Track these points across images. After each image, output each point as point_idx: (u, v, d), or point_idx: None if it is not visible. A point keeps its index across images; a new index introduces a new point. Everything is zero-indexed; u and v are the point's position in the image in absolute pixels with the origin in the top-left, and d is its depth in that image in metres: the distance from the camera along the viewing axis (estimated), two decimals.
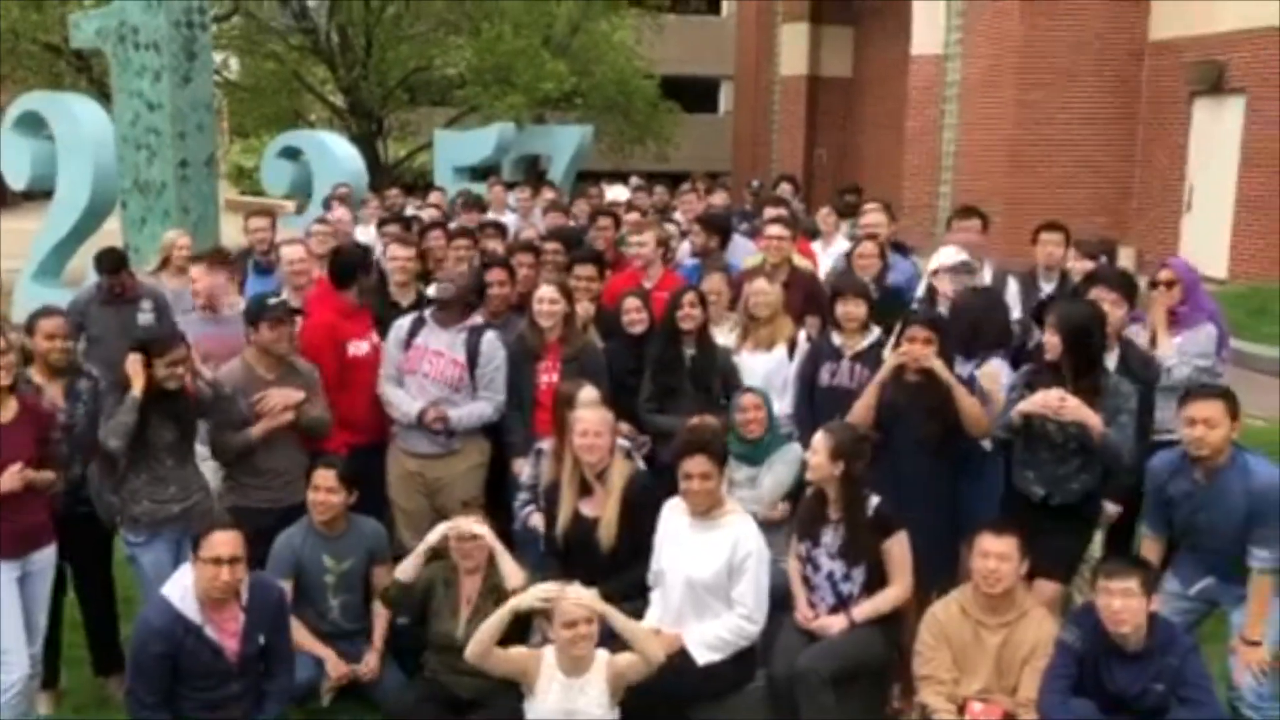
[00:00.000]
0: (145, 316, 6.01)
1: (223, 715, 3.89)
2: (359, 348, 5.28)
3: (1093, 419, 4.22)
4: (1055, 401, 4.24)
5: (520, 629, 4.43)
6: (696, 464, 4.15)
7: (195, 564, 3.78)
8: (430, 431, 5.10)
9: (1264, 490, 3.90)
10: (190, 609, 3.80)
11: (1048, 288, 6.01)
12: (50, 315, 4.61)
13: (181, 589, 3.83)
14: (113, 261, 6.08)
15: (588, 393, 4.77)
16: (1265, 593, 3.96)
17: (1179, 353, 5.11)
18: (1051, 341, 4.36)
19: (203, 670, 3.82)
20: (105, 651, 4.83)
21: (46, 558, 4.21)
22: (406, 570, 4.45)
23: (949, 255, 5.52)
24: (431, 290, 5.36)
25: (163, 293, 6.25)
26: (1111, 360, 4.72)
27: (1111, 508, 4.70)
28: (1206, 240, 13.64)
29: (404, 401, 5.15)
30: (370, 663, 4.62)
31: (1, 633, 4.00)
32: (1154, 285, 5.31)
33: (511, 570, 4.38)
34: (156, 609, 3.83)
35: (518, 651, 3.94)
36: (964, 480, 4.80)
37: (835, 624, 4.22)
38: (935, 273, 5.63)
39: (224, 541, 3.75)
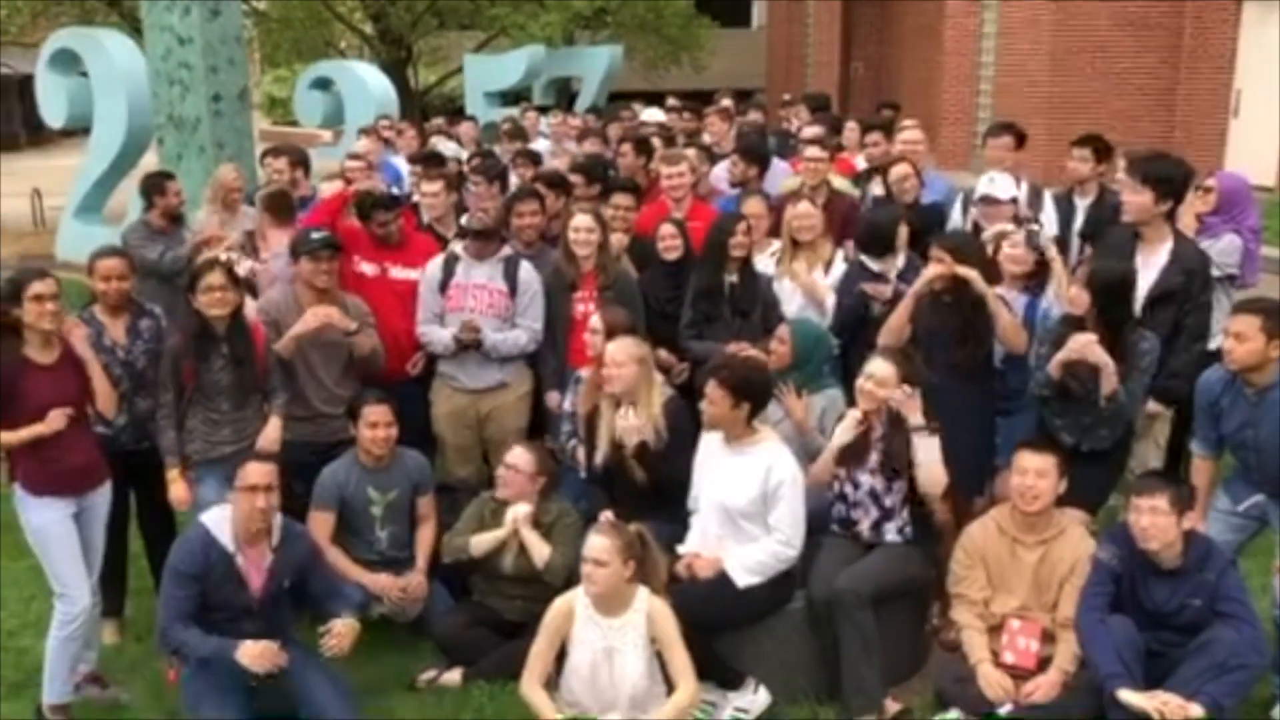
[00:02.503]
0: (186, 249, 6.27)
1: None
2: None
3: (1110, 370, 4.22)
4: (1081, 344, 4.24)
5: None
6: (708, 388, 4.16)
7: (234, 496, 3.98)
8: (469, 345, 5.13)
9: None
10: (225, 537, 3.98)
11: (1082, 204, 5.94)
12: (107, 256, 4.65)
13: (219, 518, 4.02)
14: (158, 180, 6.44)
15: (594, 319, 4.85)
16: None
17: None
18: (1080, 299, 4.34)
19: (225, 602, 3.98)
20: None
21: (101, 494, 4.34)
22: (480, 546, 4.55)
23: (982, 186, 5.47)
24: (465, 220, 5.40)
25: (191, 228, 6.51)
26: (1164, 253, 4.72)
27: (1154, 406, 4.75)
28: (1254, 147, 13.29)
29: (438, 334, 5.22)
30: (417, 580, 4.72)
31: (62, 567, 4.15)
32: (1195, 189, 5.32)
33: (539, 551, 4.48)
34: (194, 533, 4.05)
35: (548, 619, 3.91)
36: (1005, 416, 4.81)
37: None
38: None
39: (257, 471, 3.96)
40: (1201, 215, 5.27)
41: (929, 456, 4.21)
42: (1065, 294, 4.62)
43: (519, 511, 4.53)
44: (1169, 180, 4.78)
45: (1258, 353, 3.90)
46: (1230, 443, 4.18)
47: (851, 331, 5.20)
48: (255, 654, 3.86)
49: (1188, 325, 4.68)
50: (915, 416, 4.21)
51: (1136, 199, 4.77)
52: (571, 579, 4.14)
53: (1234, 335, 3.94)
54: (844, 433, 4.35)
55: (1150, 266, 4.74)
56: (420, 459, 4.93)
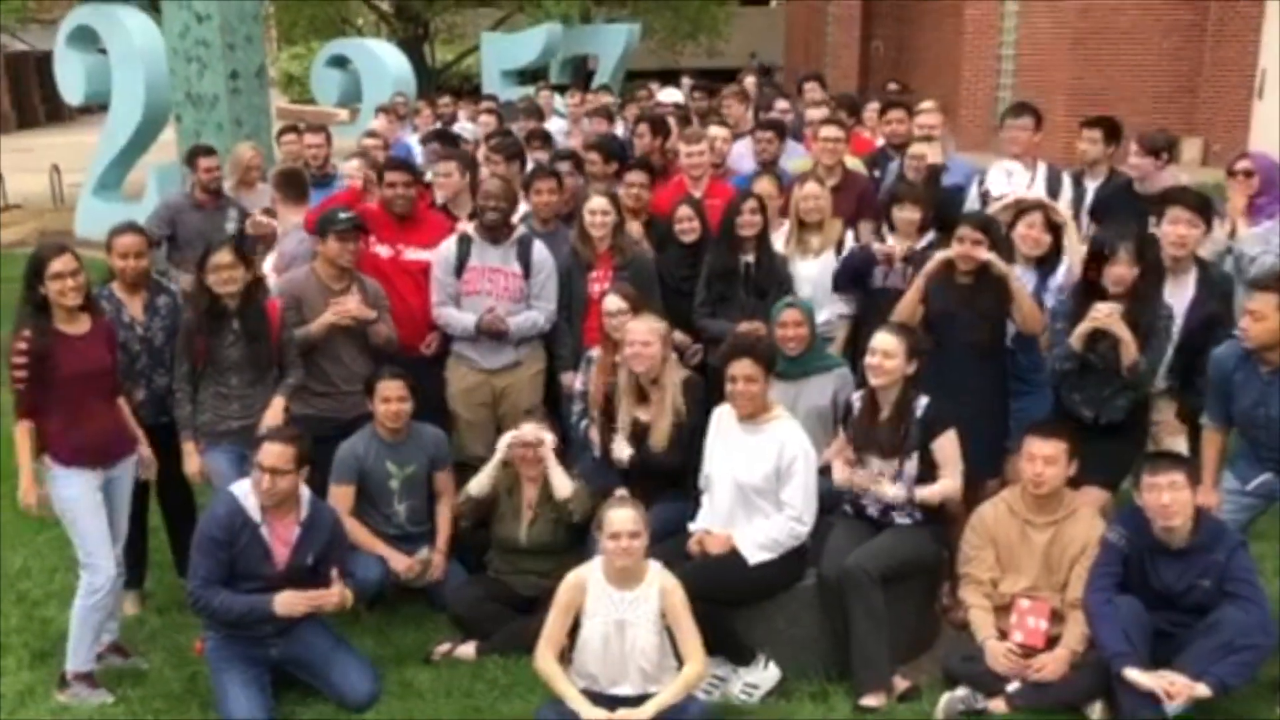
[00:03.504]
0: (232, 225, 6.41)
1: (257, 632, 4.13)
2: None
3: (1131, 342, 4.20)
4: (1105, 313, 4.21)
5: (578, 537, 4.61)
6: (742, 367, 4.18)
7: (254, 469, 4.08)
8: (492, 336, 5.18)
9: None
10: (252, 506, 4.09)
11: (1092, 185, 5.94)
12: (126, 233, 4.68)
13: (247, 488, 4.13)
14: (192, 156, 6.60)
15: (611, 300, 4.86)
16: None
17: (1262, 241, 5.08)
18: (1126, 275, 4.26)
19: (250, 570, 4.08)
20: (186, 555, 5.05)
21: (126, 466, 4.41)
22: (481, 485, 4.61)
23: (997, 183, 5.45)
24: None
25: (242, 205, 6.60)
26: (1190, 282, 4.67)
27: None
28: (1279, 128, 13.16)
29: (458, 317, 5.25)
30: (437, 563, 4.80)
31: (89, 538, 4.22)
32: (1231, 174, 5.31)
33: (561, 482, 4.53)
34: (223, 500, 4.17)
35: (561, 593, 3.94)
36: (1018, 398, 4.81)
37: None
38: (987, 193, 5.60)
39: (271, 452, 4.04)
40: (1251, 198, 5.27)
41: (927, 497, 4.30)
42: (1078, 270, 4.60)
43: (526, 433, 4.54)
44: (1206, 203, 4.74)
45: (1274, 331, 3.92)
46: (1241, 420, 4.18)
47: (857, 285, 5.28)
48: (290, 601, 4.03)
49: (1222, 321, 4.64)
50: (885, 491, 4.28)
51: (1194, 232, 4.64)
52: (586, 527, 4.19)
53: (1251, 313, 3.95)
54: (840, 473, 4.38)
55: (1178, 298, 4.60)
56: (438, 433, 4.99)
